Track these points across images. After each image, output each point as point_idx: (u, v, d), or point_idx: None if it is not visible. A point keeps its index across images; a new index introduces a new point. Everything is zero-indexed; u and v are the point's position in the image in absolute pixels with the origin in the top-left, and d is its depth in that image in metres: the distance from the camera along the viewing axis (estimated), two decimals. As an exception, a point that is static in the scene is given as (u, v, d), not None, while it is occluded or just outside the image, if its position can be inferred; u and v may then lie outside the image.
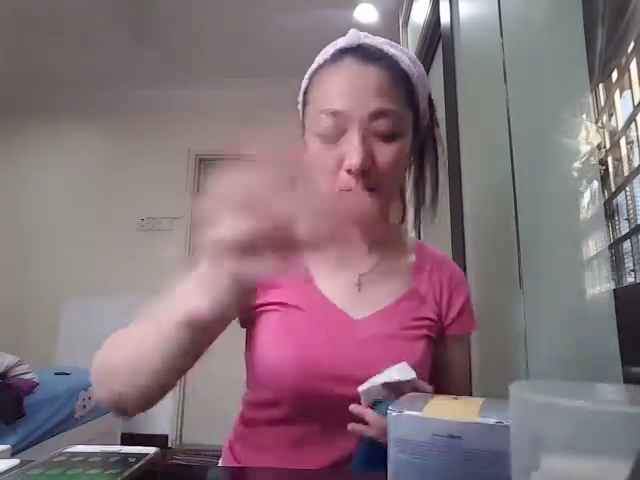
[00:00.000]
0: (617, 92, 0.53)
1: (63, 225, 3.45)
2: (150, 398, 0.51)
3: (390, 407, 0.37)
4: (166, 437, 3.13)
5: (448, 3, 1.32)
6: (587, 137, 0.58)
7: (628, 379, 0.47)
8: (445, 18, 1.35)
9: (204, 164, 3.60)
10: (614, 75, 0.53)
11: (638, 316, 0.48)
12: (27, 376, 2.11)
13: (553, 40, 0.68)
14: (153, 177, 3.48)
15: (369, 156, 0.58)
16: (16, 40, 2.91)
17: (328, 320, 0.63)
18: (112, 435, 2.72)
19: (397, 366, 0.52)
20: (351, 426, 0.52)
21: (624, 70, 0.51)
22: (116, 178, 3.49)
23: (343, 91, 0.59)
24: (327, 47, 0.65)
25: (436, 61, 1.68)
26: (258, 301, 0.65)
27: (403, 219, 0.74)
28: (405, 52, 0.64)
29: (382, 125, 0.58)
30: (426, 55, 1.80)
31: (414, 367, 0.59)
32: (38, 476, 0.38)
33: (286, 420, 0.61)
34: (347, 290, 0.66)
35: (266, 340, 0.63)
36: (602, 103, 0.55)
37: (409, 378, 0.50)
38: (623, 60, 0.51)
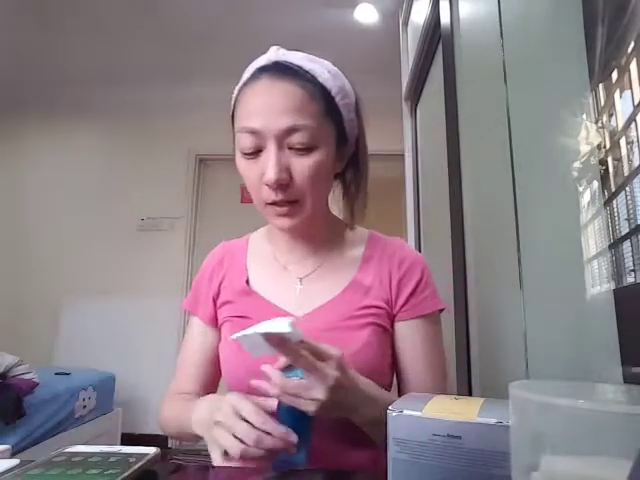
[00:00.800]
0: (617, 92, 0.53)
1: (63, 225, 3.45)
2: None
3: (390, 407, 0.37)
4: (166, 437, 3.13)
5: (448, 3, 1.32)
6: (587, 137, 0.58)
7: (628, 379, 0.47)
8: (445, 18, 1.35)
9: (204, 164, 3.60)
10: (614, 75, 0.53)
11: (638, 316, 0.48)
12: (27, 376, 2.11)
13: (553, 40, 0.68)
14: (153, 177, 3.48)
15: (284, 170, 0.61)
16: (16, 40, 2.91)
17: None
18: (112, 435, 2.73)
19: (279, 319, 0.50)
20: (255, 382, 0.54)
21: (624, 70, 0.51)
22: (116, 178, 3.49)
23: (258, 110, 0.62)
24: (250, 65, 0.68)
25: (436, 61, 1.68)
26: (219, 317, 0.74)
27: (352, 217, 0.75)
28: (325, 66, 0.67)
29: (296, 139, 0.61)
30: (426, 55, 1.80)
31: (356, 353, 0.63)
32: (38, 476, 0.39)
33: None
34: (291, 293, 0.71)
35: (221, 350, 0.72)
36: (602, 103, 0.55)
37: (281, 331, 0.48)
38: (623, 60, 0.51)
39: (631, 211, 0.50)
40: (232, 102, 0.69)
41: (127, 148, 3.56)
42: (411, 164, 2.15)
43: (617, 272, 0.52)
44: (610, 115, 0.55)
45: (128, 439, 2.86)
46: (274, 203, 0.63)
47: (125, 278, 3.34)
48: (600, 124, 0.56)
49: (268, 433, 0.50)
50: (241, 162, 0.66)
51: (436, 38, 1.63)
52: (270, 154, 0.61)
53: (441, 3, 1.41)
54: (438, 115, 1.45)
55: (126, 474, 0.39)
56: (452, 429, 0.33)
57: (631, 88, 0.50)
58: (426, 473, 0.34)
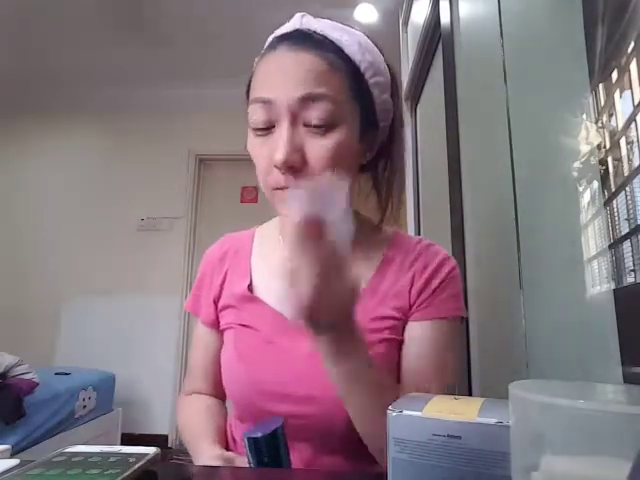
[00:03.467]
0: (617, 92, 0.53)
1: (63, 225, 3.45)
2: None
3: (390, 407, 0.37)
4: (166, 437, 3.13)
5: (448, 3, 1.32)
6: (587, 137, 0.58)
7: (628, 379, 0.47)
8: (445, 18, 1.35)
9: (204, 164, 3.60)
10: (614, 75, 0.53)
11: (638, 316, 0.48)
12: (27, 376, 2.11)
13: (553, 40, 0.68)
14: (153, 177, 3.48)
15: (296, 150, 0.53)
16: (16, 40, 2.91)
17: (277, 337, 0.61)
18: (112, 435, 2.72)
19: None
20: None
21: (624, 70, 0.51)
22: (116, 178, 3.49)
23: (271, 79, 0.54)
24: (272, 34, 0.61)
25: (436, 61, 1.68)
26: (222, 322, 0.68)
27: (381, 216, 0.67)
28: (356, 36, 0.58)
29: (314, 112, 0.52)
30: (426, 55, 1.80)
31: None
32: (38, 476, 0.38)
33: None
34: None
35: (223, 360, 0.66)
36: (602, 103, 0.55)
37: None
38: (623, 60, 0.51)
39: (631, 211, 0.50)
40: (250, 76, 0.62)
41: (127, 148, 3.56)
42: (411, 164, 2.15)
43: (617, 272, 0.52)
44: (610, 115, 0.55)
45: (128, 439, 2.86)
46: (283, 188, 0.54)
47: (125, 278, 3.34)
48: (600, 124, 0.56)
49: None
50: (251, 140, 0.57)
51: (436, 38, 1.63)
52: (282, 131, 0.53)
53: (441, 3, 1.41)
54: (438, 115, 1.44)
55: (126, 474, 0.39)
56: (452, 429, 0.33)
57: (631, 88, 0.50)
58: (426, 473, 0.34)
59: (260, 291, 0.66)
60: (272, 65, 0.56)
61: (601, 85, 0.56)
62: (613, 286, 0.52)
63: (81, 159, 3.56)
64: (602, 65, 0.54)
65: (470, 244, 1.11)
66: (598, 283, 0.56)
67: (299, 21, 0.60)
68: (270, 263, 0.68)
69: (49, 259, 3.40)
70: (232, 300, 0.67)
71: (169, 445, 3.12)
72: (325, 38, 0.56)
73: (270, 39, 0.61)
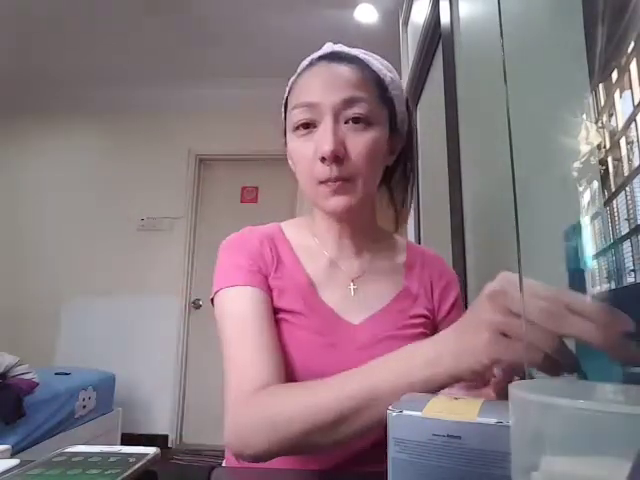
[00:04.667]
0: (617, 92, 0.53)
1: (63, 225, 3.45)
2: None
3: (390, 407, 0.37)
4: (166, 437, 3.13)
5: (448, 3, 1.32)
6: (587, 137, 0.58)
7: (628, 379, 0.47)
8: (445, 18, 1.35)
9: (204, 164, 3.60)
10: (614, 75, 0.53)
11: (638, 316, 0.48)
12: (27, 376, 2.11)
13: (553, 40, 0.68)
14: (153, 177, 3.48)
15: (340, 143, 0.60)
16: (16, 40, 2.91)
17: (328, 326, 0.63)
18: (112, 435, 2.73)
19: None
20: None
21: (624, 70, 0.51)
22: (116, 178, 3.49)
23: (316, 86, 0.62)
24: (304, 60, 0.70)
25: (436, 61, 1.68)
26: (277, 304, 0.65)
27: (398, 223, 0.76)
28: (378, 59, 0.68)
29: (354, 111, 0.60)
30: (426, 55, 1.80)
31: None
32: (38, 476, 0.38)
33: None
34: (343, 295, 0.67)
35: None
36: (602, 103, 0.55)
37: None
38: (623, 60, 0.51)
39: (631, 211, 0.50)
40: (286, 93, 0.69)
41: (127, 148, 3.56)
42: (411, 164, 2.15)
43: (617, 272, 0.52)
44: (610, 115, 0.55)
45: (128, 439, 2.86)
46: (327, 181, 0.60)
47: (125, 278, 3.34)
48: (600, 124, 0.56)
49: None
50: (293, 142, 0.64)
51: (436, 38, 1.63)
52: (326, 126, 0.60)
53: (441, 3, 1.41)
54: (438, 115, 1.45)
55: (126, 474, 0.39)
56: (452, 429, 0.33)
57: (631, 88, 0.50)
58: (426, 473, 0.34)
59: (315, 283, 0.67)
60: (312, 78, 0.64)
61: (601, 85, 0.56)
62: (613, 286, 0.52)
63: (81, 159, 3.56)
64: (602, 65, 0.54)
65: (470, 245, 1.11)
66: (598, 283, 0.56)
67: (331, 45, 0.68)
68: (311, 257, 0.69)
69: (49, 259, 3.40)
70: (284, 285, 0.64)
71: (169, 445, 3.12)
72: (356, 57, 0.66)
73: (305, 62, 0.69)
